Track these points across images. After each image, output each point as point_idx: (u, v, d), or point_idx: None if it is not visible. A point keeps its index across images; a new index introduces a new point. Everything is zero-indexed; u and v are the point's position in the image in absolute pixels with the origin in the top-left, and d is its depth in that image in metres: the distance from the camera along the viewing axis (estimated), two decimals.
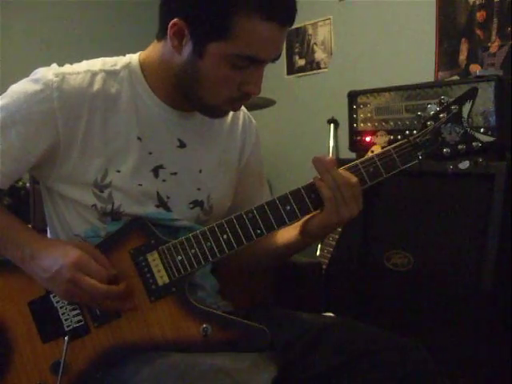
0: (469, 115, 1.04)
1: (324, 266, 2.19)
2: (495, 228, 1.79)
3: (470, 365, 1.79)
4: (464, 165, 1.05)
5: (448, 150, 1.04)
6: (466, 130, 1.03)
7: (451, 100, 1.04)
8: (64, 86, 1.05)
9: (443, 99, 1.05)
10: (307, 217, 1.10)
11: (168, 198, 1.13)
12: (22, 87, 1.06)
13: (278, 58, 1.06)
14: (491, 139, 1.03)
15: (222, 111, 1.12)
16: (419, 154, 1.04)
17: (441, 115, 1.04)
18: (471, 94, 1.04)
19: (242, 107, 1.25)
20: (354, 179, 1.04)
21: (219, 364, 0.97)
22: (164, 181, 1.13)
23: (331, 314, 1.43)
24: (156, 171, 1.12)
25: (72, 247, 1.04)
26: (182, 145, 1.15)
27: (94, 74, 1.08)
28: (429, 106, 1.06)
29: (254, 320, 1.07)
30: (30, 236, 1.07)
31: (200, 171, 1.17)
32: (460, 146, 1.04)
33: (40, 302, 1.08)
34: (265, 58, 1.03)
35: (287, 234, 1.18)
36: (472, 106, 1.04)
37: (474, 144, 1.03)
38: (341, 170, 1.05)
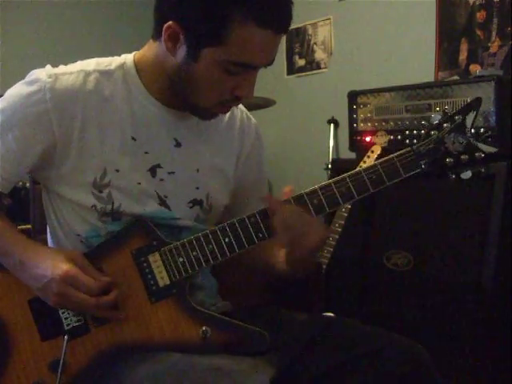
0: (472, 125, 1.04)
1: (324, 266, 2.19)
2: (495, 228, 1.79)
3: (470, 365, 1.79)
4: (466, 175, 1.05)
5: (451, 159, 1.04)
6: (469, 140, 1.03)
7: (455, 110, 1.05)
8: (56, 86, 1.05)
9: (447, 109, 1.06)
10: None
11: (166, 197, 1.13)
12: (17, 90, 1.07)
13: (271, 63, 1.06)
14: (494, 150, 1.03)
15: (212, 114, 1.12)
16: (422, 162, 1.04)
17: (444, 125, 1.04)
18: (475, 105, 1.04)
19: (241, 106, 1.26)
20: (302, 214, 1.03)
21: (218, 364, 0.97)
22: (162, 180, 1.12)
23: (331, 314, 1.43)
24: (153, 170, 1.12)
25: (62, 259, 1.03)
26: (178, 144, 1.15)
27: (87, 74, 1.08)
28: (433, 115, 1.06)
29: (254, 321, 1.07)
30: (20, 243, 1.07)
31: (197, 170, 1.17)
32: (463, 157, 1.04)
33: (40, 300, 1.08)
34: (258, 64, 1.03)
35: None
36: (476, 117, 1.04)
37: (476, 154, 1.03)
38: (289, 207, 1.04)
